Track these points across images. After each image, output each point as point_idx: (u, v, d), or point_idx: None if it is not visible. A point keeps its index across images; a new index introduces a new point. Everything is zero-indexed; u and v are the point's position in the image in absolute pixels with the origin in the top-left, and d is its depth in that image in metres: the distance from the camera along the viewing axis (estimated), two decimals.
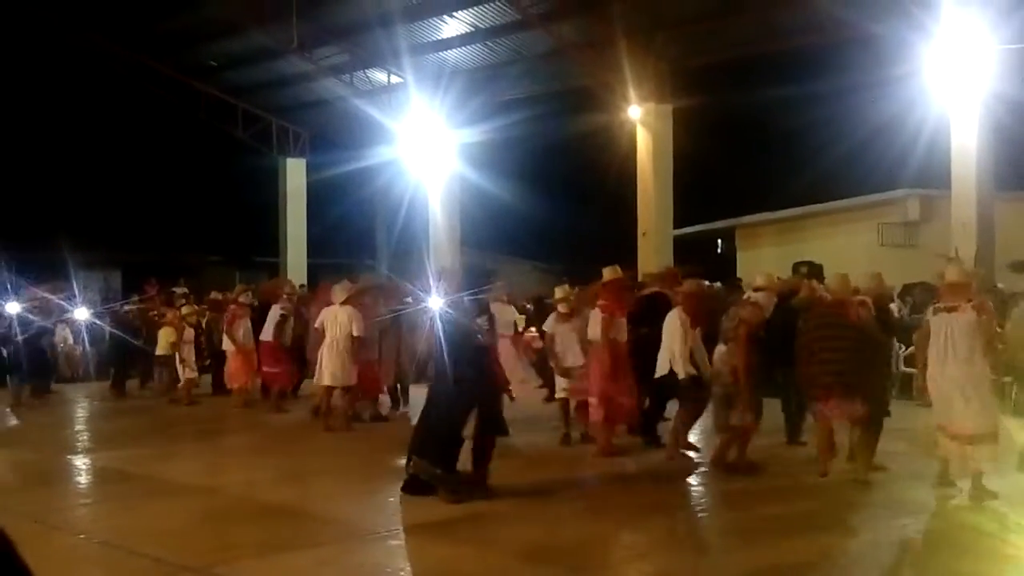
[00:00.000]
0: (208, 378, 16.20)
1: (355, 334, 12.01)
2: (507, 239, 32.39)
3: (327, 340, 12.05)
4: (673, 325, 9.49)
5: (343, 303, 12.18)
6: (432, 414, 8.20)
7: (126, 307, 17.73)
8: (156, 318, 16.45)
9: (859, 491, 8.11)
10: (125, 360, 17.00)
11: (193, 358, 15.18)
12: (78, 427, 13.92)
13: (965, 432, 7.56)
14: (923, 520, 7.39)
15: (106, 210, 31.20)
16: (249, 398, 14.65)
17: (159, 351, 15.74)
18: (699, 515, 8.16)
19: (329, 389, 12.36)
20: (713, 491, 8.68)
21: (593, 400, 10.07)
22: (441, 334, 8.25)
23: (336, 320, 12.07)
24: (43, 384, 16.18)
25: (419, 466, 8.00)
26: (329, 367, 12.05)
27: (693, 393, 9.46)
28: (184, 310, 15.62)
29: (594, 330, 10.09)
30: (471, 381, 8.05)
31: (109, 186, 31.27)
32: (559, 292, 11.32)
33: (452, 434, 7.94)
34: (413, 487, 8.05)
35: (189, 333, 15.21)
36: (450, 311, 8.39)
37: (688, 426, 9.81)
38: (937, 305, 7.87)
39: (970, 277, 8.11)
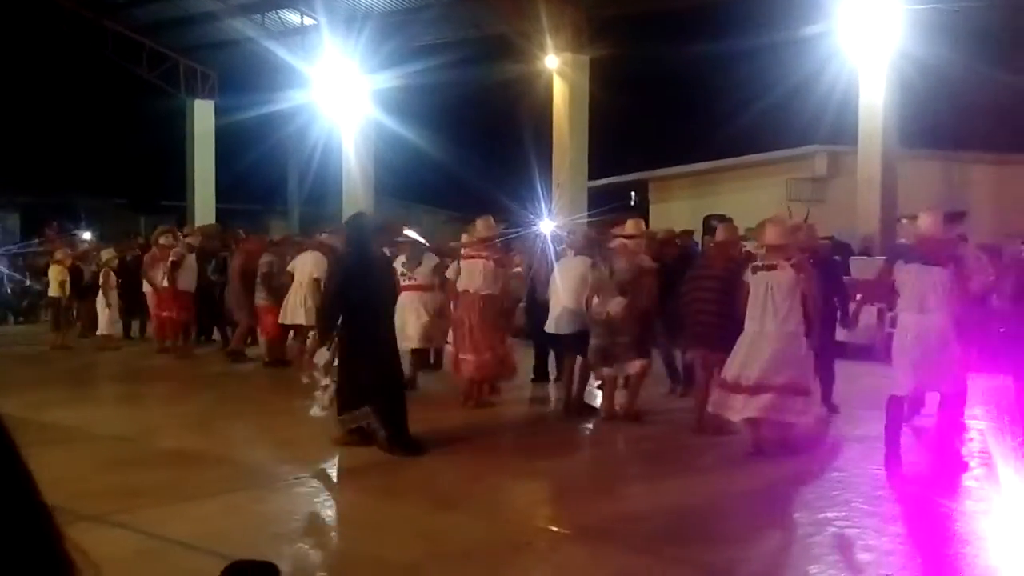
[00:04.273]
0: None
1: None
2: (423, 187, 32.13)
3: None
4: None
5: None
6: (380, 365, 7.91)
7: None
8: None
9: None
10: None
11: (117, 302, 14.89)
12: None
13: (749, 382, 7.58)
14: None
15: (4, 150, 30.04)
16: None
17: (50, 292, 15.41)
18: (598, 463, 8.28)
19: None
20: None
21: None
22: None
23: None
24: None
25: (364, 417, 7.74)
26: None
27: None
28: (104, 255, 15.27)
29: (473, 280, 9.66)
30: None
31: (8, 125, 30.09)
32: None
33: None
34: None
35: (112, 278, 14.86)
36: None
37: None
38: (756, 263, 7.89)
39: (789, 237, 7.99)
